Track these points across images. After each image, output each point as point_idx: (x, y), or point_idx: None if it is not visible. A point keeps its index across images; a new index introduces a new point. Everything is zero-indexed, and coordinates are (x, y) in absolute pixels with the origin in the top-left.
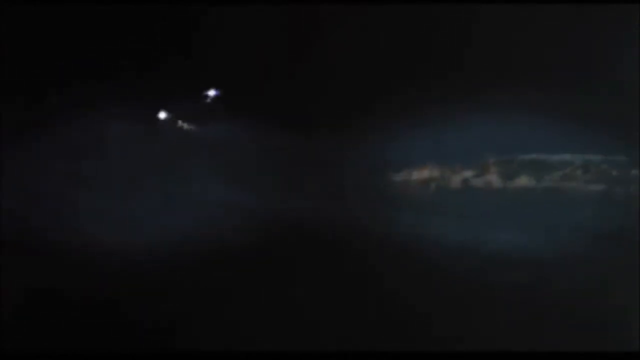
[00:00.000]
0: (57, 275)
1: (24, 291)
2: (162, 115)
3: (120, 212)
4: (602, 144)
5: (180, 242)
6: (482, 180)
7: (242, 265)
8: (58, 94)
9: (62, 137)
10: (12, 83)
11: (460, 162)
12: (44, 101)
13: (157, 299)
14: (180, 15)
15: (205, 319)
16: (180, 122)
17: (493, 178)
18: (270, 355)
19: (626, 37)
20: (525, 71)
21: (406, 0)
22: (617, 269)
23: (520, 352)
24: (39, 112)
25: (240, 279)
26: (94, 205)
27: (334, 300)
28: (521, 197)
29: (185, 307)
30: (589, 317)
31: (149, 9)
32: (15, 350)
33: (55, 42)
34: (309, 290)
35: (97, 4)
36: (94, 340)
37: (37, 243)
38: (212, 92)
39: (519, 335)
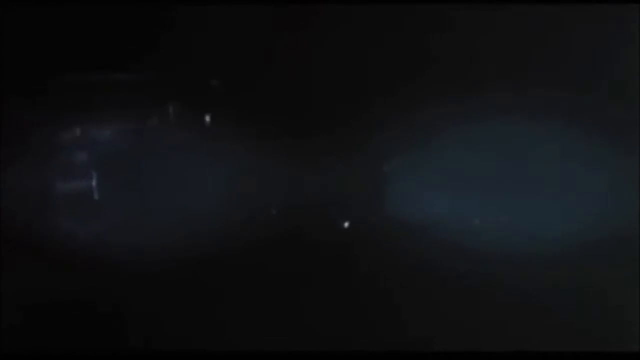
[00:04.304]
0: (56, 275)
1: (24, 292)
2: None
3: (119, 212)
4: (602, 144)
5: (178, 242)
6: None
7: (241, 265)
8: (58, 93)
9: (61, 137)
10: (12, 82)
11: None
12: (44, 101)
13: (158, 299)
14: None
15: (204, 319)
16: (179, 122)
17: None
18: (270, 356)
19: (626, 37)
20: (524, 71)
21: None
22: (617, 269)
23: (520, 352)
24: (38, 112)
25: (239, 279)
26: (92, 206)
27: (333, 300)
28: (520, 197)
29: (184, 307)
30: (589, 317)
31: (149, 8)
32: (15, 350)
33: (54, 41)
34: (309, 291)
35: (97, 4)
36: (93, 341)
37: (36, 243)
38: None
39: (519, 335)
